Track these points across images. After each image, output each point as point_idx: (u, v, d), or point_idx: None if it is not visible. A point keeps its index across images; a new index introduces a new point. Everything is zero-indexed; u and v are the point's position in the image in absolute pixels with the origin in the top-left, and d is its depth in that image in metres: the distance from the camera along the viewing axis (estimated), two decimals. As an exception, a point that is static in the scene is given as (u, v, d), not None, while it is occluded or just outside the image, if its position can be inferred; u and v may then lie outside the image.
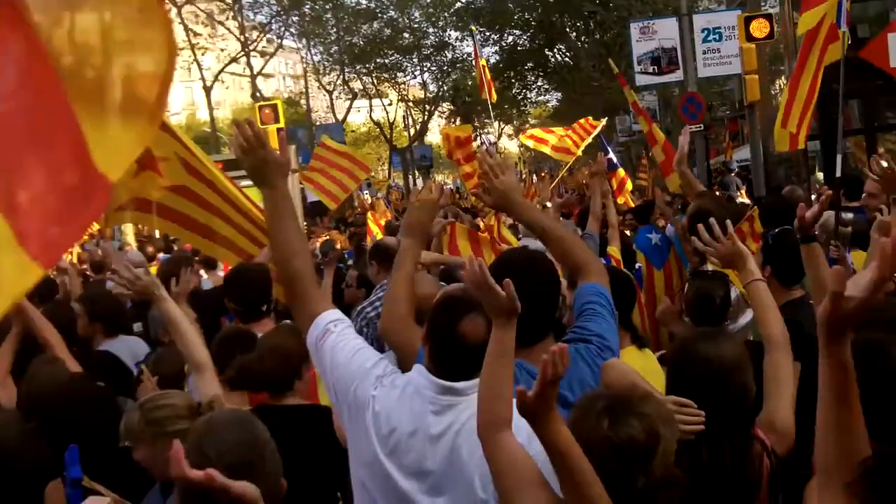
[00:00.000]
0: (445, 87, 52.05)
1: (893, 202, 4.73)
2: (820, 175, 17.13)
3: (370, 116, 55.88)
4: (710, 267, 5.73)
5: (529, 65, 45.06)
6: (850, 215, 9.76)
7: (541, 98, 53.07)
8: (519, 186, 4.20)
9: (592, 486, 2.51)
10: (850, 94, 16.65)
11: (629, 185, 17.43)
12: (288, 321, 5.24)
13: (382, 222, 9.88)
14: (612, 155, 17.24)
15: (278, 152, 3.70)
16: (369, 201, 18.05)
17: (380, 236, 9.81)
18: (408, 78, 52.79)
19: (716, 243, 4.05)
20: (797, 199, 10.81)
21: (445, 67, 50.74)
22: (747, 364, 3.46)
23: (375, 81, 51.60)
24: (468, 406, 3.14)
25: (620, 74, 14.99)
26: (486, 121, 37.50)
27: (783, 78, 27.21)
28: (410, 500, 3.26)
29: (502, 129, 59.56)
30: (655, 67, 23.66)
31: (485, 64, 23.75)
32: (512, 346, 2.91)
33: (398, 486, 3.27)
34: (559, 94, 49.22)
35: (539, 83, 47.66)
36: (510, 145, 65.82)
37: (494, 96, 23.47)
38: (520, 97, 49.27)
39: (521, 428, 2.76)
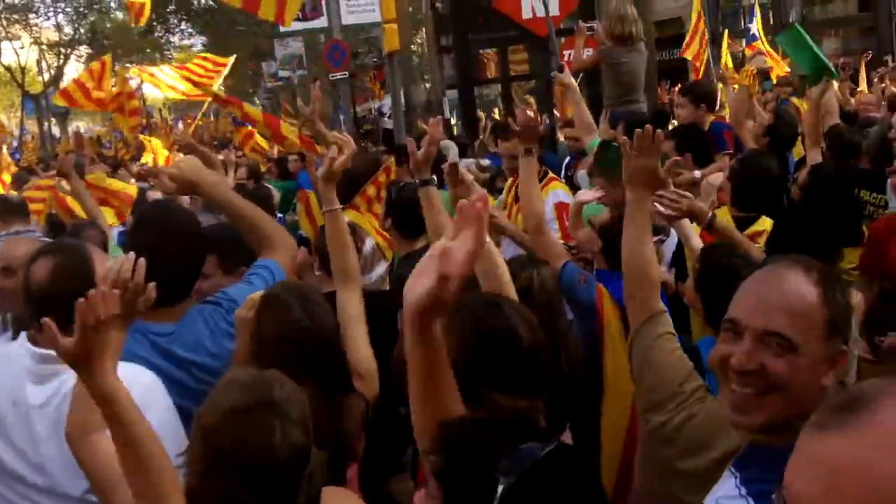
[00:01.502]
0: (83, 30, 49.70)
1: (527, 152, 4.84)
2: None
3: (-1, 61, 52.59)
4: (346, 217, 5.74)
5: (171, 7, 43.45)
6: (486, 161, 10.26)
7: (185, 42, 51.68)
8: (202, 166, 3.94)
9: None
10: (486, 44, 17.45)
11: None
12: None
13: (6, 178, 9.03)
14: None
15: None
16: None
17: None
18: (41, 19, 49.99)
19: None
20: (442, 146, 11.18)
21: (82, 9, 48.42)
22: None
23: (4, 23, 48.53)
24: (72, 376, 2.92)
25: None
26: (127, 65, 35.79)
27: (423, 30, 27.96)
28: (17, 476, 3.07)
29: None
30: (300, 13, 23.48)
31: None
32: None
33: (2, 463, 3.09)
34: (204, 38, 47.99)
35: (182, 27, 46.18)
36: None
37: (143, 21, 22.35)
38: (163, 41, 47.64)
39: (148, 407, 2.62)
